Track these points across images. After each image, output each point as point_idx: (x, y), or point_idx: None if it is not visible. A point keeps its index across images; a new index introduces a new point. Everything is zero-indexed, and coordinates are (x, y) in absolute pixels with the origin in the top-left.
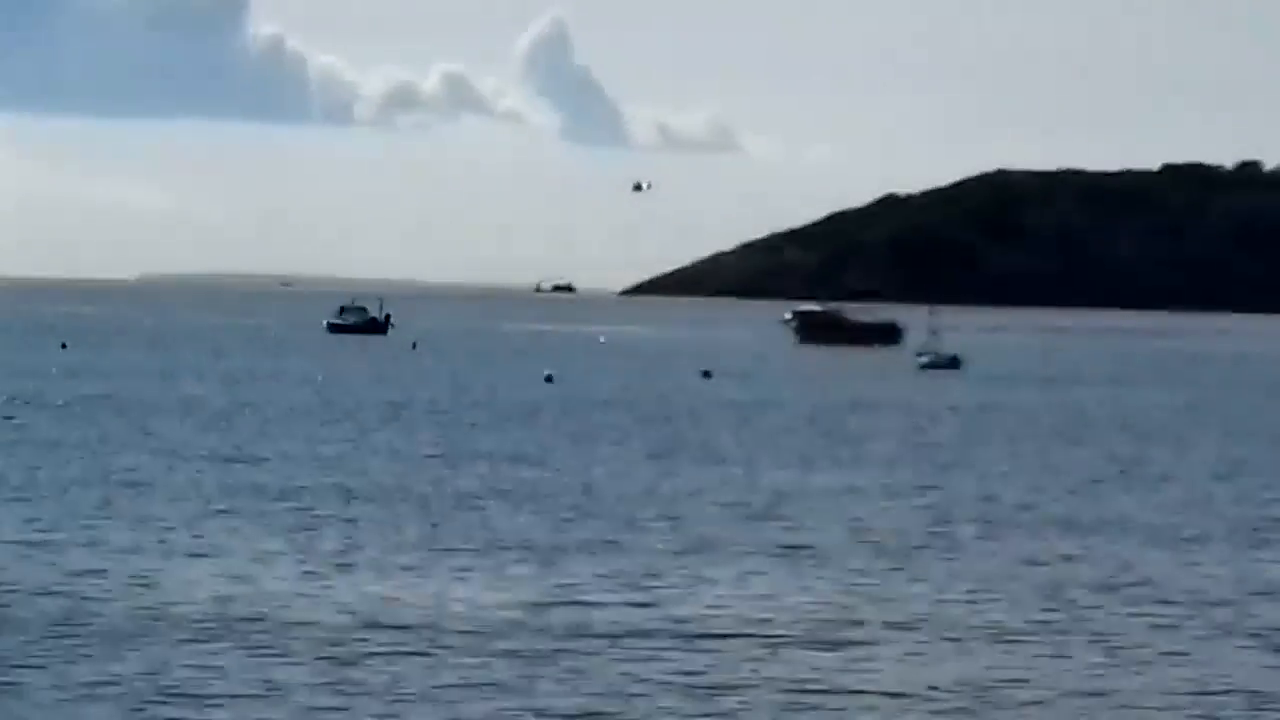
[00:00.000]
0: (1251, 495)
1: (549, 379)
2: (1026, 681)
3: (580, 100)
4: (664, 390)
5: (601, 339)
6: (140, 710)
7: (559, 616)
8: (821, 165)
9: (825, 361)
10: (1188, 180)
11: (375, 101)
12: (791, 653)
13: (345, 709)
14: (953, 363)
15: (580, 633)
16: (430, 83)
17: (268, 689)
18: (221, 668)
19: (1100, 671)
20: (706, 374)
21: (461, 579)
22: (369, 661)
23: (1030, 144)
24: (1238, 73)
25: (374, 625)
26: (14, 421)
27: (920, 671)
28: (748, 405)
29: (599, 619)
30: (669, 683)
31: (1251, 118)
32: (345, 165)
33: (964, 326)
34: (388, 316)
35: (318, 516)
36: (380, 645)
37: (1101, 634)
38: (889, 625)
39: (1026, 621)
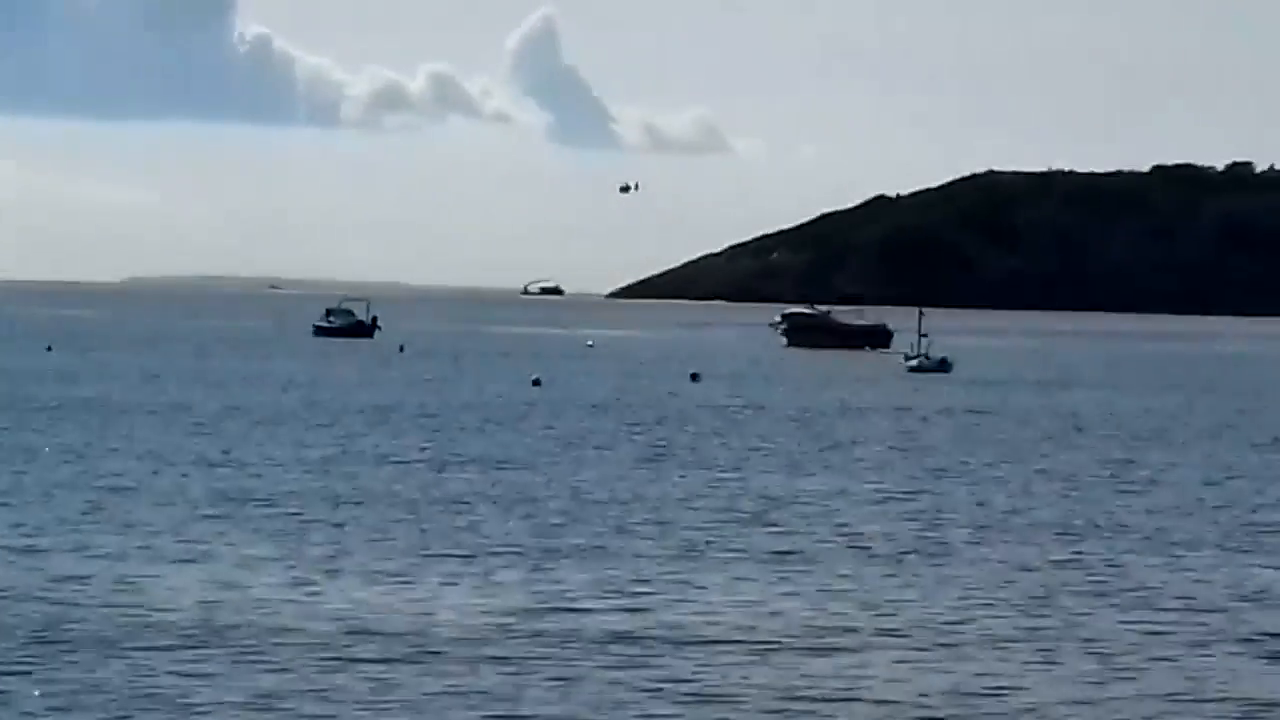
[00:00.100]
0: (1244, 500)
1: (537, 382)
2: (1018, 688)
3: (568, 101)
4: (652, 394)
5: (589, 342)
6: (126, 717)
7: (548, 623)
8: (810, 166)
9: (814, 365)
10: (1179, 181)
11: (362, 102)
12: (782, 659)
13: (333, 716)
14: (943, 366)
15: (569, 639)
16: (417, 83)
17: (254, 696)
18: (208, 674)
19: (1092, 678)
20: (695, 377)
21: (449, 585)
22: (357, 668)
23: (1021, 145)
24: (1229, 74)
25: (362, 632)
26: None
27: (911, 678)
28: (737, 409)
29: (588, 625)
30: (658, 689)
31: (1243, 119)
32: (332, 166)
33: (954, 329)
34: (374, 319)
35: (305, 522)
36: (368, 652)
37: (1093, 640)
38: (880, 631)
39: (1018, 628)
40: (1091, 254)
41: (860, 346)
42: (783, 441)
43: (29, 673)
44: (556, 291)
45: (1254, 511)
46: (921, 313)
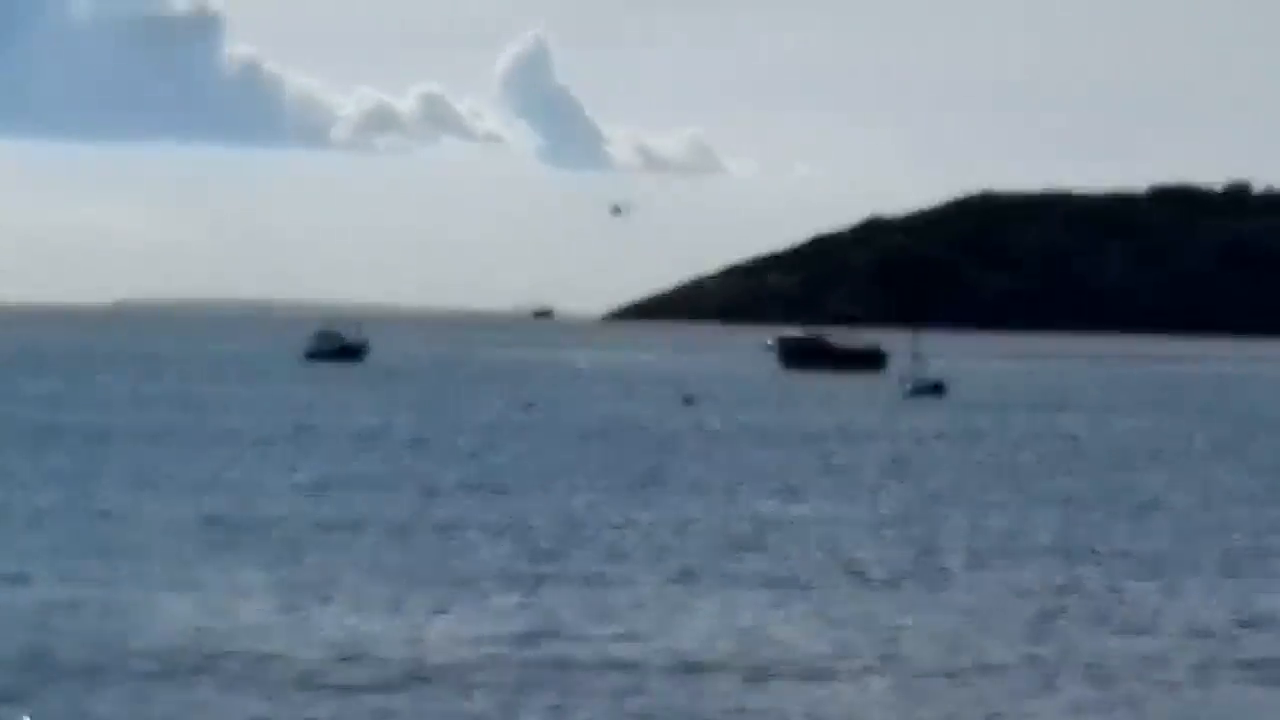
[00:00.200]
0: (1241, 523)
1: (529, 406)
2: (1015, 714)
3: (560, 122)
4: (646, 417)
5: (582, 365)
6: None
7: (541, 649)
8: (804, 187)
9: (809, 387)
10: (1175, 203)
11: (353, 123)
12: (777, 685)
13: None
14: (937, 389)
15: (562, 665)
16: (408, 104)
17: None
18: (199, 702)
19: (1091, 704)
20: (689, 400)
21: (441, 611)
22: (348, 695)
23: (1016, 165)
24: (1226, 95)
25: (353, 658)
26: None
27: (908, 704)
28: (730, 432)
29: (581, 651)
30: (652, 716)
31: (1240, 140)
32: (323, 188)
33: (949, 351)
34: (365, 342)
35: (295, 547)
36: (360, 678)
37: (1092, 665)
38: (876, 657)
39: (1016, 653)
40: (1087, 275)
41: (855, 369)
42: (777, 465)
43: (18, 699)
44: (548, 314)
45: (1253, 535)
46: (916, 335)
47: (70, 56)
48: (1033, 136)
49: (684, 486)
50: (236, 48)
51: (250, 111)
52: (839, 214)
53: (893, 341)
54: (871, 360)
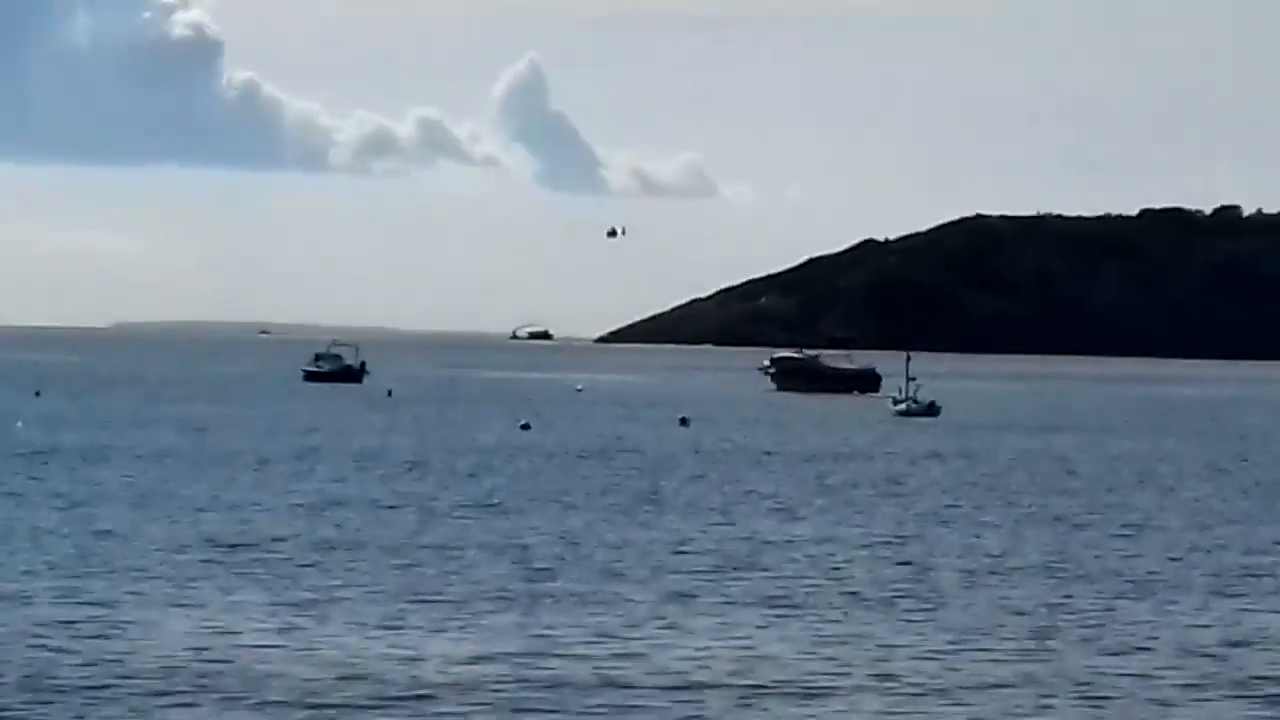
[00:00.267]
0: (1233, 543)
1: (525, 427)
2: None
3: (556, 146)
4: (642, 438)
5: (578, 386)
6: None
7: (538, 668)
8: (799, 211)
9: (803, 409)
10: (1167, 225)
11: (351, 147)
12: (773, 704)
13: None
14: (931, 410)
15: (559, 684)
16: (406, 128)
17: None
18: None
19: None
20: (684, 421)
21: (439, 630)
22: (346, 714)
23: (1009, 189)
24: (1217, 118)
25: (351, 677)
26: None
27: None
28: (726, 453)
29: (578, 670)
30: None
31: (1231, 163)
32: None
33: (942, 373)
34: (363, 364)
35: (294, 567)
36: (358, 697)
37: (1086, 685)
38: (870, 676)
39: (1008, 672)
40: (1080, 298)
41: (849, 390)
42: (772, 486)
43: (18, 719)
44: (545, 336)
45: (1245, 555)
46: (909, 357)
47: (70, 80)
48: (1026, 160)
49: (680, 507)
50: (236, 72)
51: (249, 135)
52: (833, 237)
53: (887, 363)
54: (866, 382)
